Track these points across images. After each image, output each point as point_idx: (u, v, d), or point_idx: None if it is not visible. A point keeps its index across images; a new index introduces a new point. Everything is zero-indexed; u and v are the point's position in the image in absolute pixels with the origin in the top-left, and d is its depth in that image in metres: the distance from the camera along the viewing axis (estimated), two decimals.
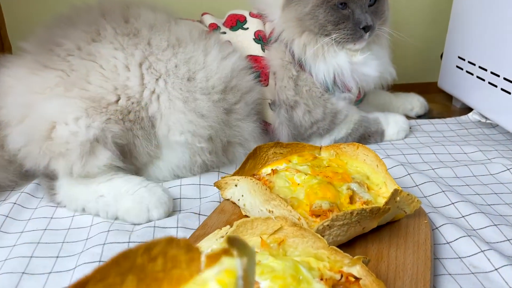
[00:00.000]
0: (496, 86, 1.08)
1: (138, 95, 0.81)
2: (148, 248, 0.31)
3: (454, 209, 0.80)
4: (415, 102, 1.26)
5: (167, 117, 0.82)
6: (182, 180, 0.88)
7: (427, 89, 1.43)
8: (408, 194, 0.70)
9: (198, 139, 0.84)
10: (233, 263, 0.31)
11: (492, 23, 1.08)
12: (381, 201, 0.71)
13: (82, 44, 0.84)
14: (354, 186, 0.72)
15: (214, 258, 0.31)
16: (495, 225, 0.75)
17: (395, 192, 0.67)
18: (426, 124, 1.19)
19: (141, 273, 0.31)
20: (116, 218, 0.77)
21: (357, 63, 1.00)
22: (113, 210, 0.76)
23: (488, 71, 1.10)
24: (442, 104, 1.37)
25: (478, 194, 0.86)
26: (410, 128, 1.14)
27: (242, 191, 0.73)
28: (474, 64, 1.16)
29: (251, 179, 0.71)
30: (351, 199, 0.70)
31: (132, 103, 0.81)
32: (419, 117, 1.27)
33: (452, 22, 1.25)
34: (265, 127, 1.00)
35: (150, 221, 0.75)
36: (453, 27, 1.25)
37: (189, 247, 0.32)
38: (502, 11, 1.04)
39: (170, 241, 0.32)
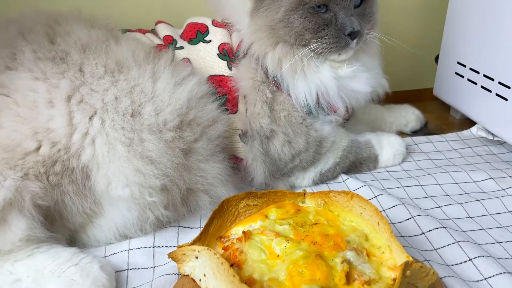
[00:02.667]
0: (506, 99, 0.92)
1: (66, 140, 0.63)
2: None
3: (473, 268, 0.64)
4: (410, 116, 1.10)
5: (106, 167, 0.63)
6: (131, 242, 0.69)
7: (421, 96, 1.27)
8: (421, 266, 0.53)
9: (148, 192, 0.66)
10: None
11: (501, 21, 0.91)
12: (385, 274, 0.55)
13: None
14: (350, 255, 0.55)
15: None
16: None
17: (405, 268, 0.51)
18: (425, 143, 1.03)
19: None
20: None
21: (344, 77, 0.82)
22: None
23: (496, 81, 0.94)
24: (439, 114, 1.21)
25: (498, 243, 0.70)
26: (407, 148, 0.98)
27: (205, 269, 0.56)
28: (478, 72, 1.00)
29: (215, 254, 0.54)
30: (348, 277, 0.53)
31: (58, 150, 0.62)
32: (415, 132, 1.10)
33: (448, 21, 1.09)
34: (236, 163, 0.82)
35: None
36: (449, 28, 1.09)
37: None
38: (510, 7, 0.88)
39: None
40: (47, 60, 0.67)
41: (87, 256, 0.62)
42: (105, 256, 0.67)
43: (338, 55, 0.80)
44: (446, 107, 1.21)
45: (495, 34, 0.93)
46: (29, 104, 0.63)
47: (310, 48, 0.77)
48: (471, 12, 1.00)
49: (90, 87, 0.66)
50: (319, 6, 0.77)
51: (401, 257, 0.55)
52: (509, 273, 0.62)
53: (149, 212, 0.68)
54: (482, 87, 0.99)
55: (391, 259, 0.57)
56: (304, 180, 0.86)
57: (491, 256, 0.65)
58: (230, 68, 0.81)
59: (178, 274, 0.62)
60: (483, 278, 0.62)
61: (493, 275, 0.62)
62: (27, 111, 0.63)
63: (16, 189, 0.59)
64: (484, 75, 0.98)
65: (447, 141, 1.03)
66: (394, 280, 0.53)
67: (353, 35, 0.77)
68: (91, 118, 0.64)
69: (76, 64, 0.67)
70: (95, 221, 0.67)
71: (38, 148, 0.62)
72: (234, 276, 0.50)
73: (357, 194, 0.63)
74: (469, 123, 1.10)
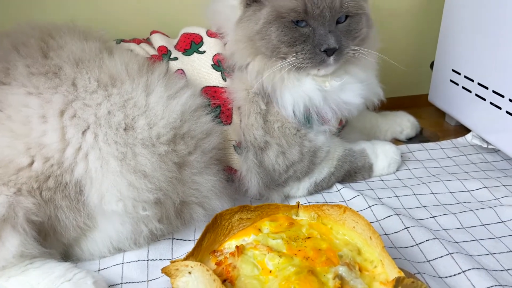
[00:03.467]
0: (500, 108, 0.92)
1: (59, 155, 0.63)
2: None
3: (465, 280, 0.64)
4: (405, 123, 1.10)
5: (99, 181, 0.64)
6: (124, 255, 0.70)
7: (416, 102, 1.27)
8: (413, 282, 0.53)
9: (141, 206, 0.66)
10: None
11: (495, 31, 0.92)
12: None
13: None
14: (342, 271, 0.55)
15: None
16: None
17: (396, 283, 0.51)
18: (419, 151, 1.03)
19: None
20: None
21: (332, 90, 0.81)
22: None
23: (490, 90, 0.94)
24: (434, 121, 1.21)
25: (491, 254, 0.70)
26: (402, 156, 0.98)
27: (198, 285, 0.56)
28: (472, 80, 1.00)
29: (207, 270, 0.54)
30: None
31: (51, 165, 0.62)
32: (410, 139, 1.11)
33: (443, 29, 1.09)
34: (230, 174, 0.82)
35: None
36: (444, 35, 1.09)
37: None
38: (508, 14, 0.88)
39: None
40: (40, 75, 0.67)
41: (81, 271, 0.62)
42: (99, 270, 0.67)
43: (318, 70, 0.79)
44: (441, 114, 1.21)
45: (489, 43, 0.93)
46: (22, 119, 0.63)
47: (288, 62, 0.76)
48: (465, 20, 1.00)
49: (83, 101, 0.66)
50: (297, 21, 0.76)
51: (393, 272, 0.55)
52: (501, 285, 0.62)
53: (142, 226, 0.68)
54: (476, 95, 0.99)
55: (383, 273, 0.57)
56: (299, 190, 0.86)
57: (484, 268, 0.66)
58: (224, 79, 0.81)
59: None
60: None
61: None
62: (20, 126, 0.63)
63: (9, 205, 0.59)
64: (479, 83, 0.98)
65: (442, 148, 1.03)
66: None
67: (329, 52, 0.76)
68: (84, 132, 0.64)
69: (69, 79, 0.67)
70: (89, 235, 0.68)
71: (31, 164, 0.62)
72: None
73: (350, 208, 0.63)
74: (464, 129, 1.10)
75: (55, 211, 0.63)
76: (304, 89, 0.79)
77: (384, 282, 0.56)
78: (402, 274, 0.53)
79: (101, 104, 0.66)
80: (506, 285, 0.63)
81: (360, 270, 0.58)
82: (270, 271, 0.56)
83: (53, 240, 0.64)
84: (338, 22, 0.78)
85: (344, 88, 0.82)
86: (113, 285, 0.64)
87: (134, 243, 0.70)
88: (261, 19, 0.76)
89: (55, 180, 0.63)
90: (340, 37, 0.77)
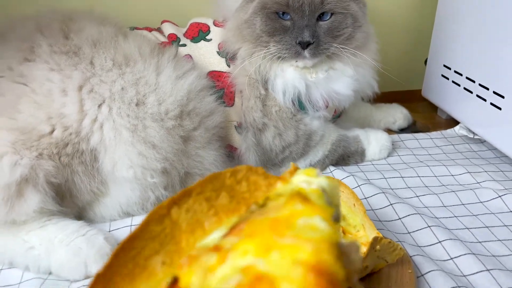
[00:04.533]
0: (485, 100, 0.98)
1: (77, 125, 0.70)
2: (234, 172, 0.36)
3: (441, 249, 0.70)
4: (398, 115, 1.16)
5: (112, 150, 0.71)
6: (133, 219, 0.77)
7: (410, 97, 1.33)
8: (389, 242, 0.60)
9: (150, 173, 0.73)
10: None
11: (483, 27, 0.98)
12: None
13: (14, 63, 0.72)
14: None
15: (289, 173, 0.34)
16: (488, 270, 0.65)
17: (374, 243, 0.58)
18: (410, 140, 1.09)
19: (231, 191, 0.36)
20: (50, 273, 0.65)
21: (317, 82, 0.87)
22: (45, 265, 0.65)
23: (477, 83, 1.01)
24: (426, 114, 1.27)
25: (468, 228, 0.77)
26: (393, 144, 1.04)
27: None
28: (461, 75, 1.06)
29: None
30: None
31: (70, 134, 0.70)
32: (402, 130, 1.17)
33: (437, 23, 1.15)
34: (231, 152, 0.89)
35: (88, 277, 0.64)
36: (437, 33, 1.15)
37: (266, 174, 0.37)
38: (495, 13, 0.94)
39: (250, 169, 0.37)
40: (61, 53, 0.74)
41: (93, 229, 0.69)
42: (109, 231, 0.74)
43: (296, 61, 0.85)
44: (434, 108, 1.28)
45: (476, 39, 1.00)
46: (45, 92, 0.70)
47: (269, 50, 0.83)
48: (456, 19, 1.06)
49: (100, 78, 0.73)
50: (282, 13, 0.82)
51: (373, 234, 0.62)
52: (473, 254, 0.69)
53: (150, 192, 0.75)
54: (464, 88, 1.06)
55: (365, 236, 0.63)
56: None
57: (459, 239, 0.72)
58: (228, 65, 0.88)
59: None
60: (449, 258, 0.69)
61: (459, 255, 0.68)
62: (43, 98, 0.70)
63: (31, 167, 0.66)
64: (467, 77, 1.04)
65: (431, 138, 1.10)
66: None
67: (302, 44, 0.81)
68: (100, 106, 0.71)
69: (87, 58, 0.74)
70: (101, 200, 0.75)
71: (52, 132, 0.69)
72: None
73: (337, 179, 0.70)
74: (454, 123, 1.16)
75: (71, 175, 0.70)
76: (288, 78, 0.85)
77: (365, 243, 0.63)
78: (381, 235, 0.60)
79: (116, 81, 0.73)
80: (478, 254, 0.69)
81: (344, 233, 0.64)
82: None
83: (69, 202, 0.71)
84: (321, 20, 0.83)
85: (332, 79, 0.88)
86: None
87: (142, 208, 0.77)
88: (250, 9, 0.83)
89: (73, 147, 0.70)
90: (318, 33, 0.82)
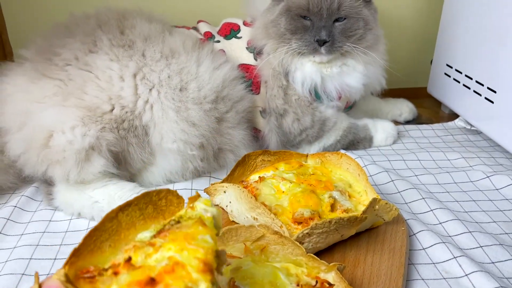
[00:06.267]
0: (480, 95, 1.11)
1: (132, 105, 0.85)
2: (158, 192, 0.52)
3: (432, 216, 0.84)
4: (404, 108, 1.29)
5: (160, 126, 0.86)
6: (174, 185, 0.92)
7: (417, 94, 1.46)
8: (386, 203, 0.73)
9: (190, 147, 0.88)
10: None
11: (480, 32, 1.11)
12: (361, 209, 0.75)
13: (80, 54, 0.87)
14: (335, 194, 0.76)
15: (192, 199, 0.51)
16: (470, 232, 0.78)
17: (373, 202, 0.71)
18: (414, 130, 1.22)
19: (155, 205, 0.51)
20: None
21: (331, 76, 1.01)
22: None
23: (474, 80, 1.14)
24: (431, 109, 1.40)
25: (457, 201, 0.90)
26: (398, 133, 1.17)
27: (230, 198, 0.77)
28: (461, 72, 1.19)
29: (238, 186, 0.75)
30: (332, 207, 0.74)
31: (126, 112, 0.85)
32: (408, 122, 1.30)
33: (441, 28, 1.28)
34: (256, 134, 1.03)
35: None
36: (442, 35, 1.28)
37: (178, 195, 0.53)
38: (490, 20, 1.07)
39: (169, 191, 0.52)
40: (119, 46, 0.89)
41: (145, 188, 0.84)
42: None
43: (313, 57, 0.99)
44: (438, 104, 1.40)
45: (475, 41, 1.12)
46: (106, 78, 0.85)
47: (291, 46, 0.97)
48: (458, 23, 1.19)
49: (150, 67, 0.88)
50: (304, 16, 0.97)
51: (372, 197, 0.76)
52: (459, 219, 0.82)
53: (189, 163, 0.90)
54: (463, 85, 1.18)
55: (367, 200, 0.77)
56: (310, 152, 1.07)
57: (448, 209, 0.85)
58: (255, 59, 1.03)
59: None
60: (438, 222, 0.82)
61: (447, 221, 0.82)
62: (105, 83, 0.85)
63: (96, 137, 0.81)
64: (466, 75, 1.17)
65: (433, 129, 1.23)
66: None
67: (319, 42, 0.95)
68: (150, 90, 0.86)
69: (140, 50, 0.89)
70: (149, 168, 0.90)
71: (112, 110, 0.84)
72: (251, 197, 0.71)
73: (345, 154, 0.83)
74: (455, 117, 1.28)
75: (127, 145, 0.85)
76: (306, 71, 0.99)
77: (366, 205, 0.76)
78: (379, 197, 0.74)
79: (163, 70, 0.88)
80: (463, 220, 0.82)
81: (349, 196, 0.78)
82: (283, 192, 0.77)
83: (124, 168, 0.87)
84: (337, 21, 0.97)
85: (345, 74, 1.02)
86: None
87: (182, 176, 0.92)
88: (276, 11, 0.98)
89: (128, 123, 0.85)
90: (334, 33, 0.96)
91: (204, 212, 0.49)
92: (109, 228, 0.48)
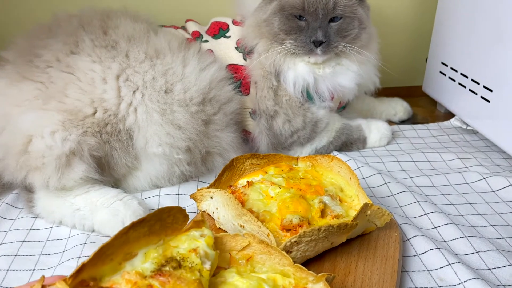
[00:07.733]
0: (476, 94, 1.08)
1: (115, 108, 0.82)
2: (170, 209, 0.54)
3: (427, 220, 0.81)
4: (399, 107, 1.27)
5: (145, 130, 0.83)
6: (161, 190, 0.89)
7: (412, 92, 1.43)
8: (378, 208, 0.70)
9: (176, 151, 0.85)
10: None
11: (475, 29, 1.08)
12: (352, 214, 0.72)
13: (61, 56, 0.84)
14: (326, 199, 0.73)
15: (197, 223, 0.57)
16: (466, 236, 0.76)
17: (365, 207, 0.68)
18: (408, 130, 1.20)
19: (162, 221, 0.54)
20: (93, 231, 0.78)
21: (324, 76, 0.98)
22: (89, 224, 0.77)
23: (469, 78, 1.11)
24: (426, 108, 1.37)
25: (452, 204, 0.87)
26: (393, 134, 1.15)
27: (217, 204, 0.74)
28: (456, 71, 1.16)
29: (225, 192, 0.72)
30: (323, 213, 0.71)
31: (109, 115, 0.82)
32: (403, 122, 1.27)
33: (436, 25, 1.26)
34: (245, 136, 1.00)
35: None
36: (437, 33, 1.26)
37: (185, 213, 0.56)
38: (485, 17, 1.04)
39: (180, 209, 0.55)
40: (101, 47, 0.86)
41: (129, 195, 0.81)
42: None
43: (308, 57, 0.96)
44: (434, 102, 1.38)
45: (470, 38, 1.10)
46: (88, 80, 0.82)
47: (285, 47, 0.94)
48: (453, 21, 1.17)
49: (134, 69, 0.85)
50: (298, 16, 0.93)
51: (364, 202, 0.73)
52: (454, 224, 0.79)
53: (176, 167, 0.87)
54: (459, 83, 1.16)
55: (358, 205, 0.74)
56: (302, 154, 1.04)
57: (443, 212, 0.82)
58: (245, 59, 1.00)
59: (197, 212, 0.81)
60: (433, 227, 0.79)
61: (442, 225, 0.79)
62: (87, 85, 0.82)
63: (78, 142, 0.78)
64: (461, 73, 1.14)
65: (428, 129, 1.20)
66: None
67: (316, 43, 0.92)
68: (134, 92, 0.83)
69: (123, 51, 0.86)
70: (134, 173, 0.87)
71: (94, 113, 0.81)
72: (238, 204, 0.68)
73: (337, 157, 0.81)
74: (451, 116, 1.26)
75: (110, 150, 0.82)
76: (299, 71, 0.96)
77: (357, 210, 0.74)
78: (371, 202, 0.71)
79: (148, 71, 0.85)
80: (459, 224, 0.80)
81: (340, 201, 0.75)
82: (272, 197, 0.74)
83: (107, 173, 0.84)
84: (332, 21, 0.94)
85: (338, 74, 0.99)
86: (152, 209, 0.83)
87: (168, 181, 0.89)
88: (269, 10, 0.95)
89: (112, 127, 0.82)
90: (330, 33, 0.93)
91: (204, 260, 0.53)
92: (116, 244, 0.49)
